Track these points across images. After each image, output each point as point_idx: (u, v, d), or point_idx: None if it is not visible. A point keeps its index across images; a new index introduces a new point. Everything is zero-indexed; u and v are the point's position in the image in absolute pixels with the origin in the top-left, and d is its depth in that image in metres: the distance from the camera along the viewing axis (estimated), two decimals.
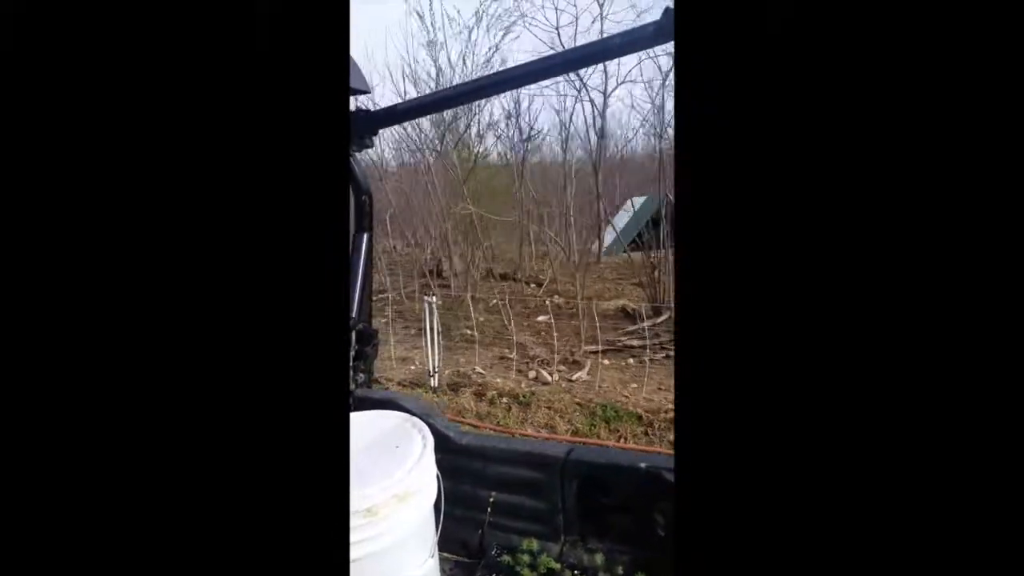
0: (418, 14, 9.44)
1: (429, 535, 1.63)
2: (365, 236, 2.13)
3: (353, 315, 2.11)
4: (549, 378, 4.98)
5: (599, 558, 1.74)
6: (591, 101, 9.05)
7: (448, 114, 8.44)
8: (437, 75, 8.81)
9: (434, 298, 5.12)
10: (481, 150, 9.38)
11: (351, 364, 2.27)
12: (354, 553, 1.37)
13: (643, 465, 1.77)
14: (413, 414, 1.82)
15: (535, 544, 1.80)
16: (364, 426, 1.74)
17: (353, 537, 1.35)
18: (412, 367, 5.47)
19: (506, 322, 6.04)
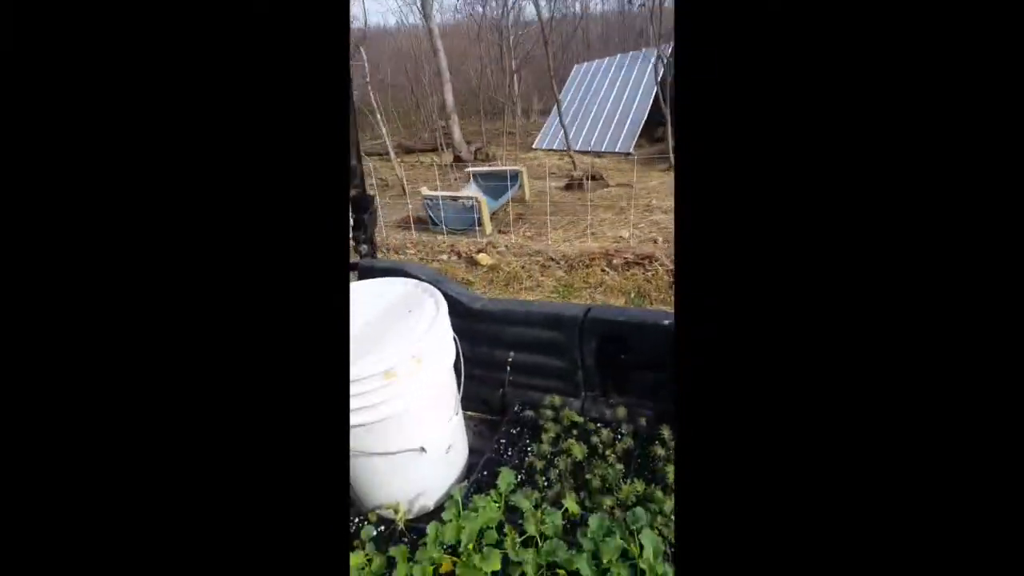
0: None
1: (451, 395, 1.64)
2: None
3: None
4: None
5: (621, 411, 1.73)
6: None
7: None
8: None
9: None
10: None
11: (351, 235, 2.17)
12: (373, 416, 1.37)
13: (666, 322, 1.71)
14: (421, 281, 1.75)
15: (557, 400, 1.80)
16: (375, 293, 1.68)
17: (372, 400, 1.34)
18: None
19: None
